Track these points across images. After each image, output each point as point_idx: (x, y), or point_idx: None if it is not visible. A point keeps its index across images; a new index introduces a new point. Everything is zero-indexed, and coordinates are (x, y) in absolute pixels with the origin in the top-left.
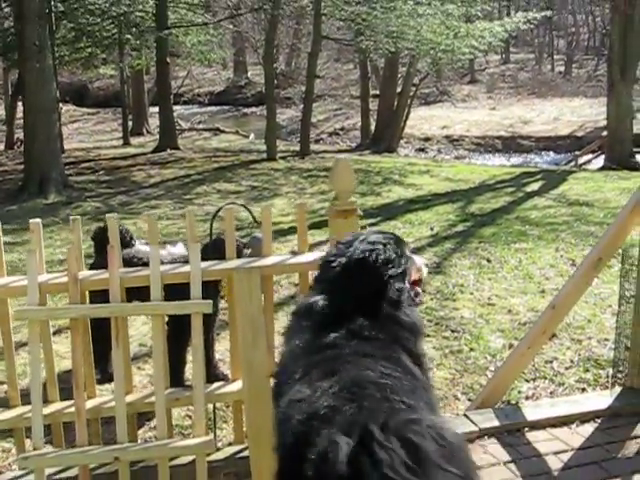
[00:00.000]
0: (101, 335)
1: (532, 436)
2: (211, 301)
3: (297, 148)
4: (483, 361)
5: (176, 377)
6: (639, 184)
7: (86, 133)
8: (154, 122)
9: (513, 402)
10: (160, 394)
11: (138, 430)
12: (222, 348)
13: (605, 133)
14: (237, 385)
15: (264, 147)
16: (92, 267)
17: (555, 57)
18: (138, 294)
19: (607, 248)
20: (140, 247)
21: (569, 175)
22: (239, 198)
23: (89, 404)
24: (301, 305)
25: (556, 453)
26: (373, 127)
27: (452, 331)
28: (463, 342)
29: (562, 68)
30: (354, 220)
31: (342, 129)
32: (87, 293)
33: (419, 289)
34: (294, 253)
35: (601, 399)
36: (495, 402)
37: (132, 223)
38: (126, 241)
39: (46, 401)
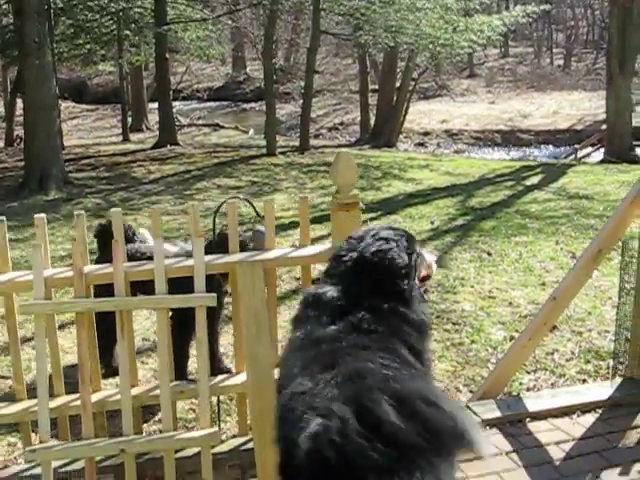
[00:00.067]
0: (106, 329)
1: (534, 426)
2: (215, 294)
3: (297, 143)
4: (484, 353)
5: (179, 371)
6: (638, 177)
7: (85, 130)
8: (153, 118)
9: (514, 394)
10: (165, 387)
11: (143, 424)
12: (225, 342)
13: (604, 126)
14: (241, 378)
15: (263, 142)
16: (96, 264)
17: (554, 51)
18: (143, 288)
19: (607, 240)
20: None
21: (569, 168)
22: (239, 193)
23: (95, 397)
24: (309, 295)
25: (557, 443)
26: (372, 122)
27: (453, 324)
28: (464, 335)
29: (561, 62)
30: (356, 213)
31: (341, 124)
32: (92, 288)
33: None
34: (295, 247)
35: (602, 390)
36: (496, 394)
37: (133, 219)
38: (128, 236)
39: (52, 395)
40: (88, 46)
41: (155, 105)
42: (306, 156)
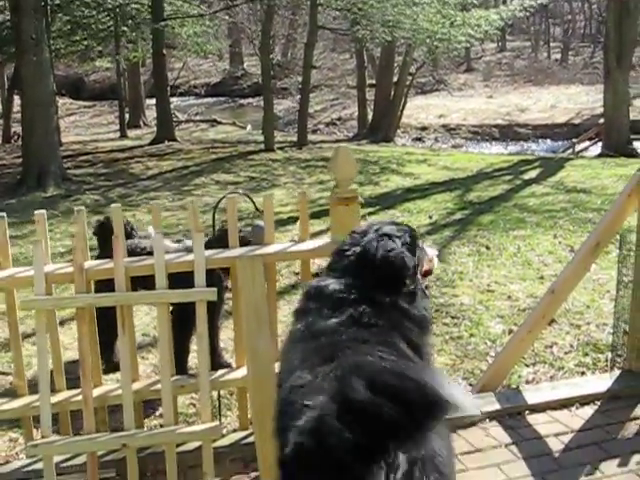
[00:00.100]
0: (106, 325)
1: (533, 419)
2: (216, 289)
3: (294, 139)
4: (483, 347)
5: (180, 366)
6: (635, 170)
7: (83, 126)
8: (150, 114)
9: (513, 386)
10: (166, 381)
11: (144, 419)
12: (224, 337)
13: (602, 120)
14: (241, 372)
15: (261, 138)
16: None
17: (551, 45)
18: (144, 283)
19: (605, 233)
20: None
21: (566, 162)
22: (238, 189)
23: (96, 392)
24: (312, 288)
25: (557, 435)
26: (370, 117)
27: (452, 317)
28: (463, 328)
29: (558, 56)
30: (355, 207)
31: (339, 119)
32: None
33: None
34: (294, 242)
35: (600, 382)
36: (496, 387)
37: (131, 215)
38: (127, 232)
39: (53, 390)
40: (85, 42)
41: (152, 101)
42: (304, 151)
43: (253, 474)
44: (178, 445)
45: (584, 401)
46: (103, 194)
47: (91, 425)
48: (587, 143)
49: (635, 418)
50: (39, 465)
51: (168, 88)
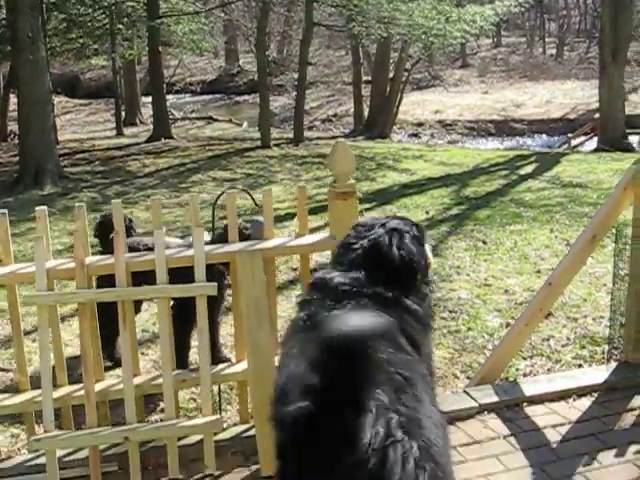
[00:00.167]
0: (108, 320)
1: (531, 410)
2: (216, 283)
3: (290, 135)
4: (481, 340)
5: (181, 361)
6: (630, 164)
7: (79, 124)
8: (147, 112)
9: (511, 379)
10: (167, 375)
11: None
12: (224, 332)
13: (597, 115)
14: (242, 366)
15: (257, 135)
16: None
17: (546, 40)
18: (145, 278)
19: (601, 226)
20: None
21: (562, 157)
22: (237, 185)
23: (98, 387)
24: (317, 279)
25: (554, 426)
26: (366, 113)
27: (450, 312)
28: (461, 322)
29: (554, 51)
30: (353, 202)
31: (335, 115)
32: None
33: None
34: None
35: (597, 374)
36: (493, 379)
37: (129, 213)
38: (126, 228)
39: (55, 385)
40: (81, 40)
41: (148, 99)
42: (300, 148)
43: (254, 467)
44: (179, 439)
45: (581, 393)
46: (100, 192)
47: (93, 419)
48: (583, 138)
49: (632, 409)
50: (41, 460)
51: (164, 86)
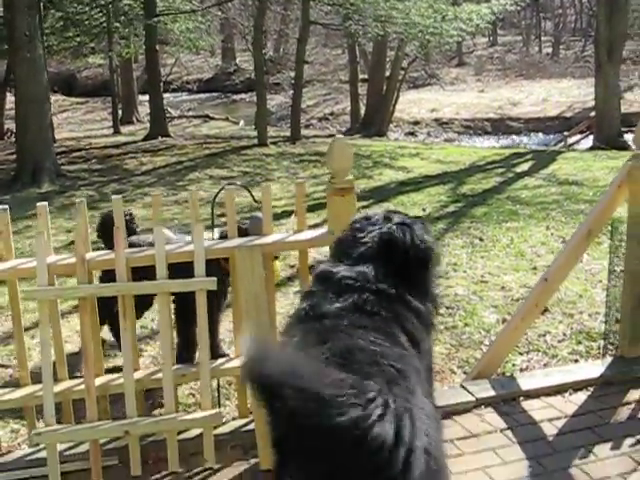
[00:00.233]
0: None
1: (527, 404)
2: (215, 278)
3: (287, 134)
4: (478, 336)
5: (187, 356)
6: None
7: (76, 123)
8: (143, 110)
9: (508, 374)
10: (167, 370)
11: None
12: (222, 329)
13: (593, 113)
14: (241, 360)
15: (254, 133)
16: None
17: (542, 39)
18: (145, 274)
19: (596, 222)
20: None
21: (558, 155)
22: (235, 181)
23: (98, 381)
24: (322, 271)
25: (551, 420)
26: (363, 111)
27: (447, 308)
28: (458, 318)
29: (549, 50)
30: (351, 198)
31: (332, 114)
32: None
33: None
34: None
35: (593, 368)
36: (490, 375)
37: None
38: (128, 226)
39: (55, 380)
40: (78, 39)
41: (145, 97)
42: (297, 146)
43: (253, 460)
44: (179, 433)
45: (577, 387)
46: (98, 190)
47: (94, 413)
48: (579, 136)
49: (627, 403)
50: (42, 454)
51: (161, 84)
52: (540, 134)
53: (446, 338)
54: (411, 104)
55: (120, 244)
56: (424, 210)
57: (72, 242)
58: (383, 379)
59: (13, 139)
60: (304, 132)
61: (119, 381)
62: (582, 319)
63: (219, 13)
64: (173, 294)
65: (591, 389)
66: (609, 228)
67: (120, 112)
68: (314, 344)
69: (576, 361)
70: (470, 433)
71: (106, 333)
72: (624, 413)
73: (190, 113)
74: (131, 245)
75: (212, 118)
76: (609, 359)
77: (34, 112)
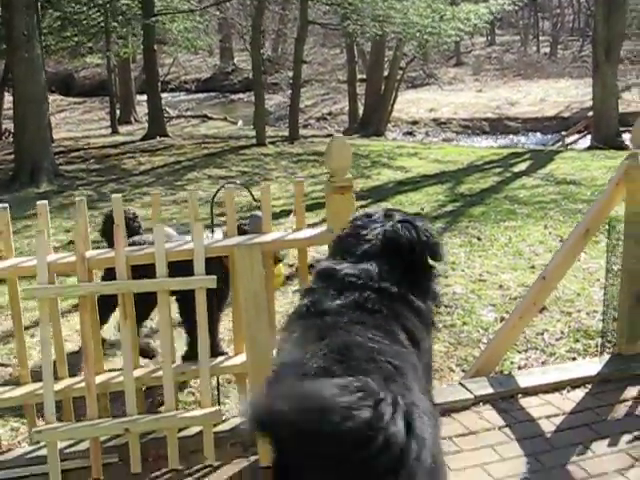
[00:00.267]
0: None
1: (525, 402)
2: (215, 276)
3: (285, 133)
4: (476, 334)
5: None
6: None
7: (74, 122)
8: (141, 110)
9: (506, 372)
10: (167, 367)
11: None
12: (221, 327)
13: (591, 113)
14: (240, 358)
15: (252, 133)
16: None
17: (540, 38)
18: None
19: (594, 220)
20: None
21: (556, 155)
22: (234, 181)
23: (98, 379)
24: (324, 268)
25: (548, 417)
26: (361, 111)
27: (445, 306)
28: (456, 317)
29: (547, 49)
30: (350, 196)
31: (330, 114)
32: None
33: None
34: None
35: (591, 366)
36: (489, 373)
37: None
38: (130, 225)
39: (55, 378)
40: (76, 38)
41: (143, 97)
42: (296, 146)
43: (253, 457)
44: (179, 430)
45: (575, 384)
46: (96, 189)
47: (94, 411)
48: (576, 136)
49: (624, 400)
50: (42, 452)
51: (159, 84)
52: (538, 134)
53: (445, 336)
54: (409, 104)
55: (120, 242)
56: (422, 209)
57: (71, 242)
58: (380, 376)
59: (11, 139)
60: (302, 132)
61: (119, 379)
62: (580, 317)
63: (217, 13)
64: (174, 293)
65: (589, 386)
66: (607, 227)
67: (118, 112)
68: (313, 340)
69: (574, 359)
70: (468, 430)
71: (106, 333)
72: (621, 410)
73: (188, 113)
74: (133, 245)
75: (210, 118)
76: (606, 357)
77: (32, 112)
